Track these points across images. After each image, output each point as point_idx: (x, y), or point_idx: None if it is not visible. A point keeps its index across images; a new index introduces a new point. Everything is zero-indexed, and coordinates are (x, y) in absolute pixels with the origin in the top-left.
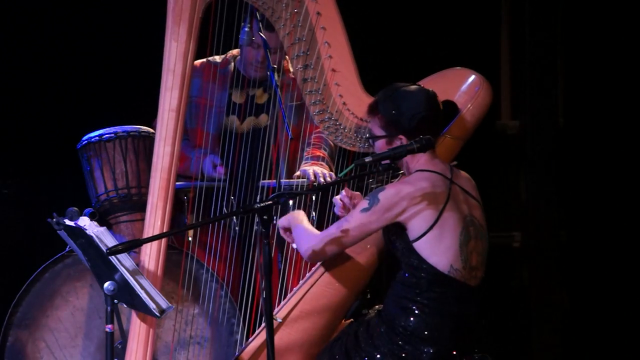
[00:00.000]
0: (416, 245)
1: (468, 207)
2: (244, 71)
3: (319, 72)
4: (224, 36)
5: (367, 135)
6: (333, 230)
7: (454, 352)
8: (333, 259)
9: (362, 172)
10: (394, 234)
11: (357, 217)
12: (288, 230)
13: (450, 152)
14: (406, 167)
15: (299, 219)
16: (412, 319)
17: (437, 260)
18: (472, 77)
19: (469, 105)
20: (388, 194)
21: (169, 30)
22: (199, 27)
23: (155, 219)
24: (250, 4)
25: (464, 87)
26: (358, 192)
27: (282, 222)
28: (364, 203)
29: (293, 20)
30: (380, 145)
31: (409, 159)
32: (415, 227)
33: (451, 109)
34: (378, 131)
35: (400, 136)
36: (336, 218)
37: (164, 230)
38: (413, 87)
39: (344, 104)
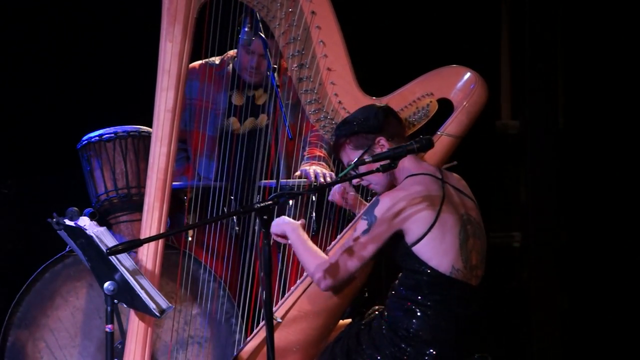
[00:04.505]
0: (415, 249)
1: (464, 206)
2: (241, 73)
3: (314, 71)
4: (219, 36)
5: (351, 166)
6: (341, 257)
7: (456, 354)
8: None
9: (363, 172)
10: (392, 240)
11: (361, 240)
12: (282, 236)
13: (446, 151)
14: (393, 176)
15: (301, 239)
16: (414, 321)
17: (438, 262)
18: (468, 74)
19: (465, 103)
20: (384, 207)
21: (163, 31)
22: (194, 27)
23: (152, 219)
24: (245, 3)
25: (460, 84)
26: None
27: (276, 230)
28: (363, 224)
29: (288, 19)
30: (366, 166)
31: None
32: (413, 231)
33: (447, 106)
34: (355, 154)
35: (378, 138)
36: (335, 217)
37: (161, 231)
38: None
39: (340, 102)
